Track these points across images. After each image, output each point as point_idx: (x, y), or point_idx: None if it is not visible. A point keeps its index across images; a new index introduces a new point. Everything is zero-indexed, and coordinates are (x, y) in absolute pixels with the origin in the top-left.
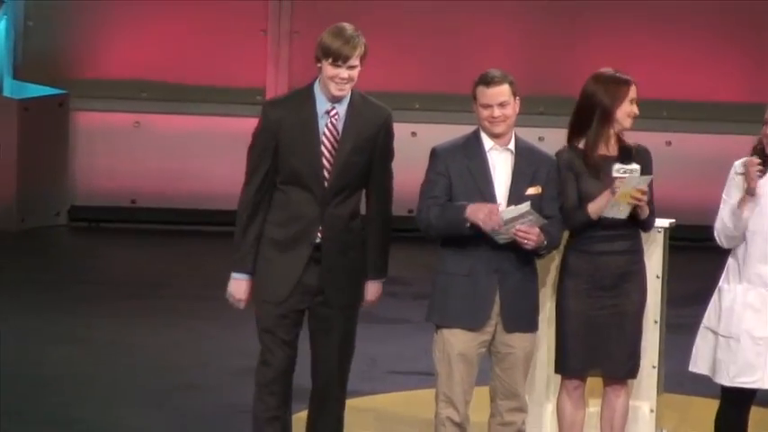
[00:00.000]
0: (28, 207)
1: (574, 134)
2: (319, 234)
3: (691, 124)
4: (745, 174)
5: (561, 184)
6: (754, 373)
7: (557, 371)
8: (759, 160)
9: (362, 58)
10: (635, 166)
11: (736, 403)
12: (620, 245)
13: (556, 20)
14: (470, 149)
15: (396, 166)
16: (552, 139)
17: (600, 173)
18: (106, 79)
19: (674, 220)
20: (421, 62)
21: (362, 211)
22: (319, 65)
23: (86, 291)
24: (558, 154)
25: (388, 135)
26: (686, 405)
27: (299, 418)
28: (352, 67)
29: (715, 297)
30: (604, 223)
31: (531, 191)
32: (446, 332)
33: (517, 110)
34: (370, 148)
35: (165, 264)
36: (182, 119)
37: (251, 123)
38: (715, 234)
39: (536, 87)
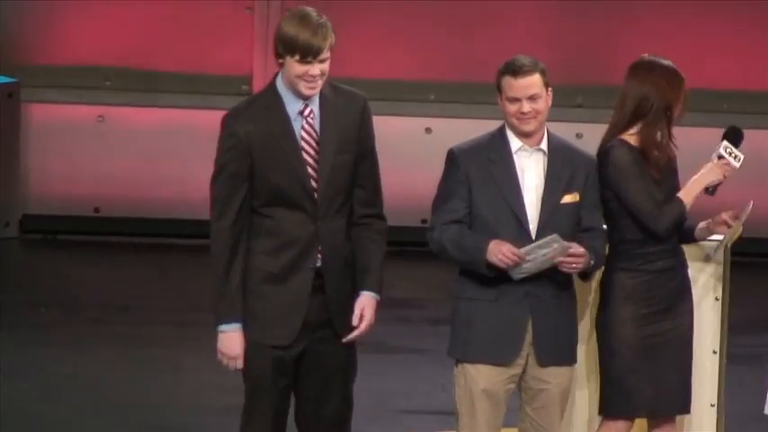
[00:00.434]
0: None
1: (618, 130)
2: (319, 255)
3: (757, 118)
4: None
5: (622, 183)
6: None
7: (608, 412)
8: None
9: (332, 47)
10: (741, 155)
11: None
12: (674, 260)
13: None
14: (495, 151)
15: (408, 167)
16: (592, 136)
17: (662, 177)
18: (63, 65)
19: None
20: (436, 46)
21: None
22: (281, 61)
23: (41, 315)
24: (610, 149)
25: (369, 123)
26: None
27: None
28: (323, 61)
29: None
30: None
31: (567, 199)
32: (469, 366)
33: (550, 103)
34: (353, 145)
35: (133, 283)
36: (153, 112)
37: None
38: None
39: (573, 76)
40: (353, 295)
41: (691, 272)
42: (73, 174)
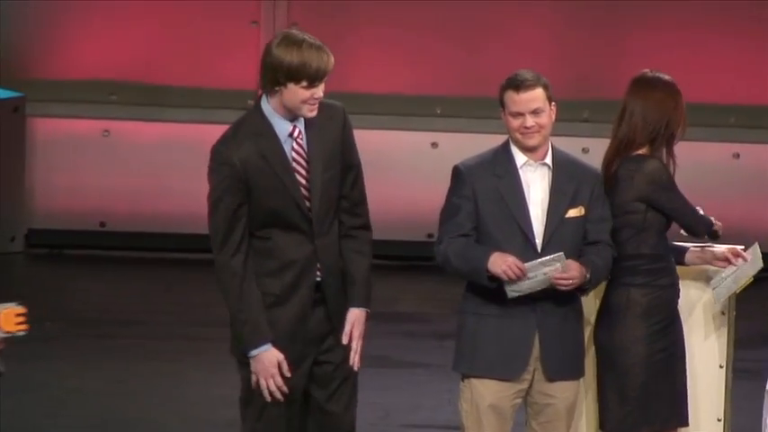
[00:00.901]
0: None
1: (627, 148)
2: (318, 272)
3: (763, 133)
4: None
5: (664, 194)
6: None
7: (627, 430)
8: None
9: None
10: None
11: None
12: (674, 276)
13: (599, 11)
14: (500, 166)
15: (414, 182)
16: (598, 151)
17: None
18: (68, 80)
19: (742, 247)
20: (442, 61)
21: None
22: (279, 88)
23: (46, 329)
24: (643, 162)
25: (351, 134)
26: None
27: None
28: (323, 81)
29: None
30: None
31: (572, 213)
32: (476, 381)
33: (554, 117)
34: (338, 158)
35: (138, 298)
36: (158, 126)
37: None
38: None
39: (579, 91)
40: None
41: (697, 286)
42: (78, 188)
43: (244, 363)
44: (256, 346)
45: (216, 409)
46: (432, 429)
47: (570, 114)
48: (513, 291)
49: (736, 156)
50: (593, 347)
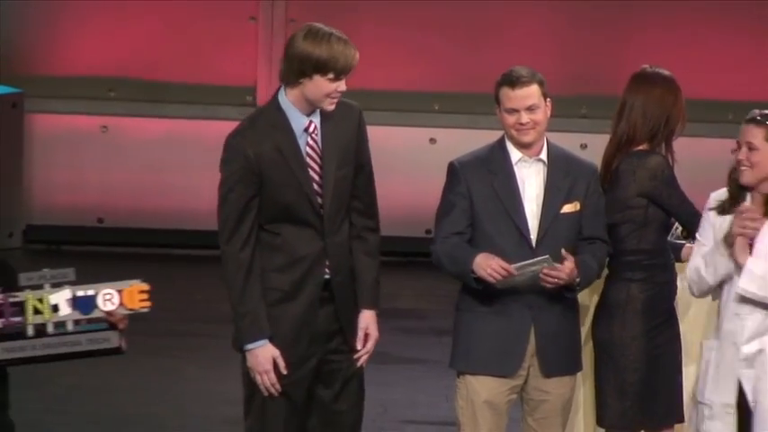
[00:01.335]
0: None
1: (628, 143)
2: (327, 270)
3: None
4: (735, 224)
5: (665, 190)
6: None
7: (627, 426)
8: (753, 208)
9: None
10: None
11: None
12: (672, 273)
13: (597, 7)
14: (495, 163)
15: (412, 178)
16: (597, 147)
17: None
18: (67, 76)
19: None
20: (441, 57)
21: None
22: (304, 80)
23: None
24: (646, 158)
25: (365, 134)
26: None
27: None
28: (348, 76)
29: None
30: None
31: (567, 208)
32: (471, 377)
33: (549, 114)
34: (352, 156)
35: None
36: (157, 123)
37: None
38: (687, 281)
39: (577, 87)
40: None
41: None
42: (77, 184)
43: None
44: (253, 341)
45: (215, 405)
46: (429, 425)
47: (568, 110)
48: (501, 284)
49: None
50: (590, 343)
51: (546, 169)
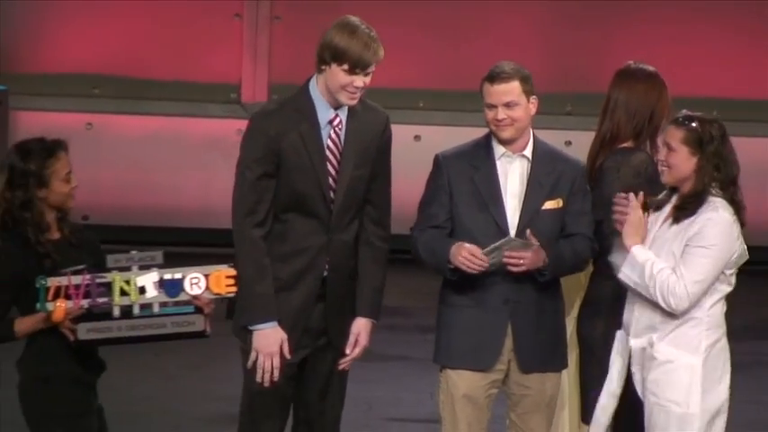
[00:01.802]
0: None
1: (612, 141)
2: (326, 266)
3: (747, 126)
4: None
5: (649, 187)
6: None
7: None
8: (625, 195)
9: (379, 63)
10: None
11: None
12: None
13: (583, 5)
14: (478, 157)
15: (397, 175)
16: (581, 144)
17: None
18: (52, 73)
19: None
20: (426, 54)
21: None
22: (324, 68)
23: None
24: (631, 154)
25: (389, 142)
26: None
27: None
28: (368, 74)
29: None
30: None
31: (548, 205)
32: (450, 371)
33: (533, 111)
34: (371, 160)
35: None
36: (142, 120)
37: (224, 125)
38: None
39: (562, 84)
40: (353, 309)
41: None
42: None
43: (245, 351)
44: (263, 321)
45: (198, 403)
46: (414, 423)
47: (553, 107)
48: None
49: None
50: (575, 339)
51: (529, 165)
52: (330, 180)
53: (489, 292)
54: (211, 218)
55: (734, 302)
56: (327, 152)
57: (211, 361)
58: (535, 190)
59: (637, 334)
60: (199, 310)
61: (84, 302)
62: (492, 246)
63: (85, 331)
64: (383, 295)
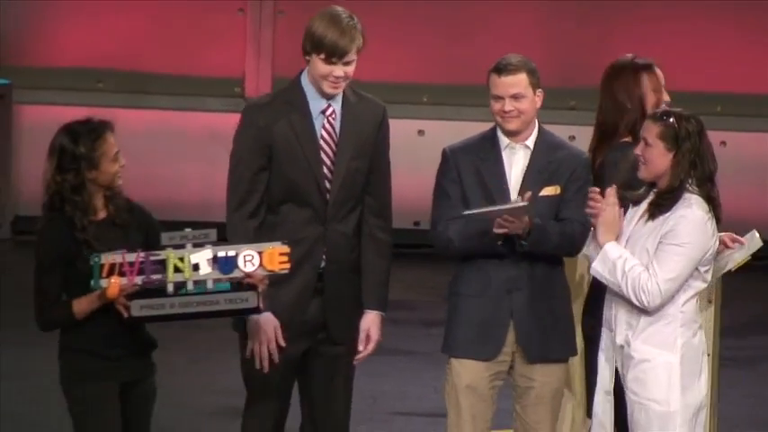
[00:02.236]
0: None
1: (611, 136)
2: (324, 257)
3: (750, 121)
4: None
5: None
6: None
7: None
8: (598, 190)
9: (359, 50)
10: None
11: None
12: None
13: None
14: (484, 149)
15: (401, 169)
16: (585, 138)
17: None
18: (55, 67)
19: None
20: (430, 48)
21: None
22: (308, 58)
23: (32, 317)
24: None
25: (387, 134)
26: None
27: None
28: (348, 63)
29: None
30: None
31: (546, 191)
32: (455, 361)
33: (539, 104)
34: (369, 151)
35: None
36: (145, 114)
37: (227, 120)
38: None
39: (566, 79)
40: (354, 302)
41: None
42: None
43: (244, 345)
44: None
45: (197, 396)
46: (418, 416)
47: (557, 102)
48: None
49: (723, 144)
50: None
51: (530, 154)
52: (325, 170)
53: (493, 282)
54: (214, 211)
55: (734, 298)
56: (321, 142)
57: (211, 354)
58: (533, 176)
59: (617, 330)
60: (252, 287)
61: (138, 279)
62: (506, 206)
63: (139, 308)
64: (388, 288)
